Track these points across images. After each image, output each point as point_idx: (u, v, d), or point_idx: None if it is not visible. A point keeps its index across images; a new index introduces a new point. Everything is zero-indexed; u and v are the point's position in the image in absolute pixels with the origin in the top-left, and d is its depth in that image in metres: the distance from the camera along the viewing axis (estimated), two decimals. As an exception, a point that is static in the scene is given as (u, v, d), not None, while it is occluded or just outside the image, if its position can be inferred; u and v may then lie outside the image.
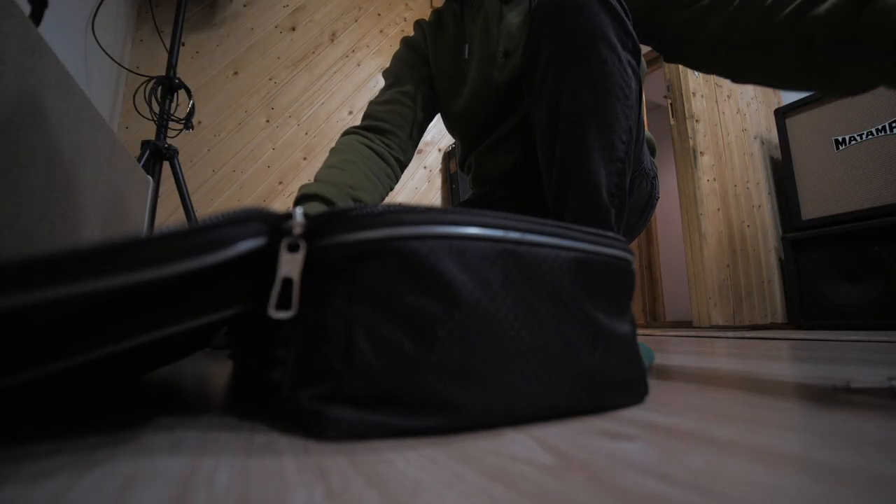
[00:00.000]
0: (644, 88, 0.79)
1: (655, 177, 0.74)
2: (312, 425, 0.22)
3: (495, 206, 0.78)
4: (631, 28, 0.56)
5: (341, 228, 0.23)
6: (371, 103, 0.80)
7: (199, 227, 0.20)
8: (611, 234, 0.30)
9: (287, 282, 0.24)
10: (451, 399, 0.22)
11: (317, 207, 0.63)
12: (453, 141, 2.41)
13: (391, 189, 0.79)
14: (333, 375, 0.22)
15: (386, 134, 0.77)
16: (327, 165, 0.70)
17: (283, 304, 0.24)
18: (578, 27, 0.53)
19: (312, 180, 0.67)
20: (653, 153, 0.78)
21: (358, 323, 0.22)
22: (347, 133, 0.76)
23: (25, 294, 0.17)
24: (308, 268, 0.24)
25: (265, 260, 0.24)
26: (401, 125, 0.78)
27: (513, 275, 0.25)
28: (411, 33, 0.87)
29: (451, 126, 0.84)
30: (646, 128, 0.77)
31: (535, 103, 0.60)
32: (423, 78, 0.83)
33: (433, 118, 0.86)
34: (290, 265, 0.23)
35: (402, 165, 0.80)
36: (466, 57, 0.76)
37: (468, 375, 0.22)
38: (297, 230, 0.23)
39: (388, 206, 0.23)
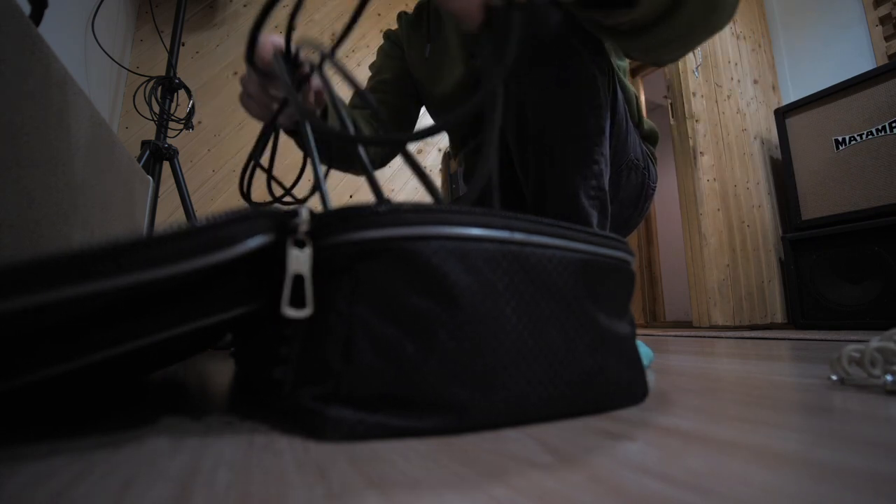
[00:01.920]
0: (643, 87, 0.79)
1: (647, 167, 0.72)
2: (313, 425, 0.22)
3: (490, 206, 0.77)
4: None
5: (345, 227, 0.23)
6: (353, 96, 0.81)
7: (210, 224, 0.20)
8: (613, 235, 0.30)
9: (298, 279, 0.24)
10: (451, 400, 0.22)
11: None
12: (453, 141, 2.41)
13: (383, 163, 0.79)
14: (333, 375, 0.22)
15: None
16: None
17: (294, 302, 0.24)
18: (533, 32, 0.52)
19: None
20: (654, 142, 0.77)
21: (358, 323, 0.22)
22: None
23: (37, 295, 0.17)
24: (312, 266, 0.24)
25: (271, 258, 0.24)
26: (384, 111, 0.78)
27: (517, 276, 0.25)
28: (384, 32, 0.87)
29: (434, 118, 0.84)
30: (644, 116, 0.76)
31: (503, 112, 0.59)
32: (404, 68, 0.83)
33: (420, 107, 0.85)
34: (299, 262, 0.23)
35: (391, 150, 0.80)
36: (427, 56, 0.76)
37: (469, 377, 0.22)
38: (303, 228, 0.23)
39: (394, 204, 0.23)
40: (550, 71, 0.52)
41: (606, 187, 0.56)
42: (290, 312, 0.23)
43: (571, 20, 0.53)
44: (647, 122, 0.75)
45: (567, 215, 0.52)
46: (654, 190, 0.75)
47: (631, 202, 0.72)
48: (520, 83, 0.54)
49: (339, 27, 2.23)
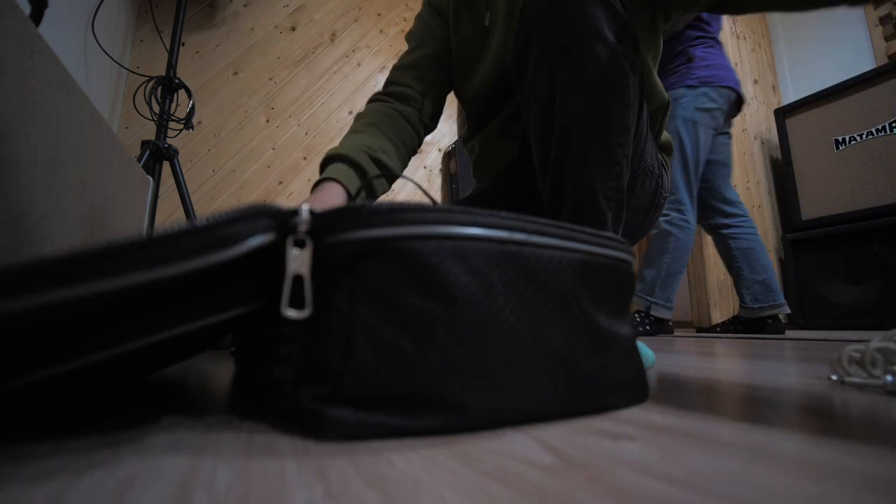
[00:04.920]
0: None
1: (661, 175, 0.70)
2: (313, 425, 0.22)
3: (493, 205, 0.77)
4: (627, 17, 0.52)
5: (346, 226, 0.23)
6: (393, 68, 0.79)
7: (211, 223, 0.20)
8: (612, 235, 0.30)
9: (297, 279, 0.24)
10: (451, 399, 0.22)
11: (341, 169, 0.62)
12: (453, 141, 2.41)
13: (415, 151, 0.78)
14: (333, 375, 0.22)
15: (408, 100, 0.75)
16: (350, 130, 0.70)
17: (294, 302, 0.24)
18: (569, 24, 0.50)
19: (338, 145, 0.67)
20: (668, 152, 0.76)
21: (358, 323, 0.22)
22: (371, 101, 0.76)
23: (39, 295, 0.17)
24: (313, 266, 0.24)
25: (271, 258, 0.24)
26: (423, 91, 0.76)
27: (516, 276, 0.25)
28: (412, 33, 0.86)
29: (463, 96, 0.81)
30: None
31: (526, 103, 0.58)
32: (445, 40, 0.80)
33: (447, 92, 0.83)
34: (299, 262, 0.23)
35: (427, 128, 0.79)
36: (487, 24, 0.73)
37: (469, 376, 0.22)
38: (303, 227, 0.23)
39: (394, 204, 0.23)
40: (583, 64, 0.50)
41: (625, 189, 0.55)
42: (290, 313, 0.23)
43: (610, 12, 0.51)
44: (664, 133, 0.75)
45: (584, 214, 0.52)
46: (665, 199, 0.74)
47: (642, 209, 0.70)
48: (552, 75, 0.52)
49: (339, 27, 2.23)
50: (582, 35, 0.50)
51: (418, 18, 0.83)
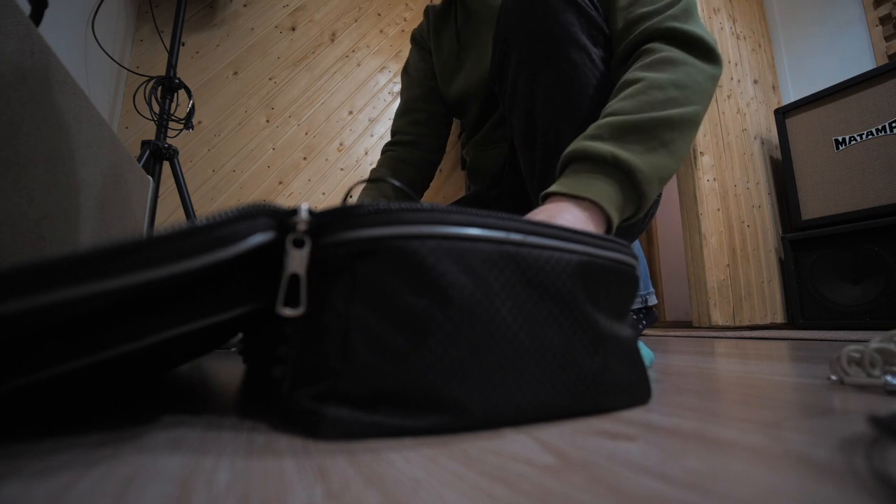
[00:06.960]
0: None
1: None
2: (310, 425, 0.22)
3: (489, 207, 0.78)
4: (600, 20, 0.54)
5: (344, 226, 0.23)
6: (395, 115, 0.89)
7: (211, 222, 0.20)
8: (612, 237, 0.30)
9: (294, 278, 0.24)
10: (448, 399, 0.22)
11: None
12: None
13: (424, 185, 0.88)
14: (331, 375, 0.22)
15: (411, 145, 0.85)
16: (365, 188, 0.81)
17: (291, 301, 0.24)
18: (545, 30, 0.52)
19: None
20: None
21: (356, 322, 0.22)
22: (383, 152, 0.87)
23: (40, 296, 0.17)
24: (311, 265, 0.24)
25: (272, 257, 0.24)
26: (421, 131, 0.86)
27: (514, 277, 0.25)
28: (411, 33, 0.90)
29: (452, 107, 0.87)
30: None
31: (509, 109, 0.59)
32: (431, 70, 0.86)
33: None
34: (297, 261, 0.23)
35: (434, 163, 0.88)
36: (455, 52, 0.79)
37: (466, 376, 0.22)
38: (302, 226, 0.23)
39: (392, 204, 0.23)
40: (560, 68, 0.52)
41: None
42: (285, 311, 0.23)
43: (582, 17, 0.53)
44: None
45: None
46: (660, 194, 0.75)
47: None
48: (532, 80, 0.54)
49: (339, 27, 2.23)
50: (557, 41, 0.52)
51: (408, 56, 0.92)
